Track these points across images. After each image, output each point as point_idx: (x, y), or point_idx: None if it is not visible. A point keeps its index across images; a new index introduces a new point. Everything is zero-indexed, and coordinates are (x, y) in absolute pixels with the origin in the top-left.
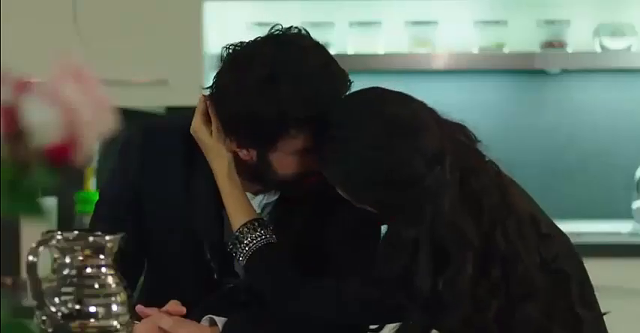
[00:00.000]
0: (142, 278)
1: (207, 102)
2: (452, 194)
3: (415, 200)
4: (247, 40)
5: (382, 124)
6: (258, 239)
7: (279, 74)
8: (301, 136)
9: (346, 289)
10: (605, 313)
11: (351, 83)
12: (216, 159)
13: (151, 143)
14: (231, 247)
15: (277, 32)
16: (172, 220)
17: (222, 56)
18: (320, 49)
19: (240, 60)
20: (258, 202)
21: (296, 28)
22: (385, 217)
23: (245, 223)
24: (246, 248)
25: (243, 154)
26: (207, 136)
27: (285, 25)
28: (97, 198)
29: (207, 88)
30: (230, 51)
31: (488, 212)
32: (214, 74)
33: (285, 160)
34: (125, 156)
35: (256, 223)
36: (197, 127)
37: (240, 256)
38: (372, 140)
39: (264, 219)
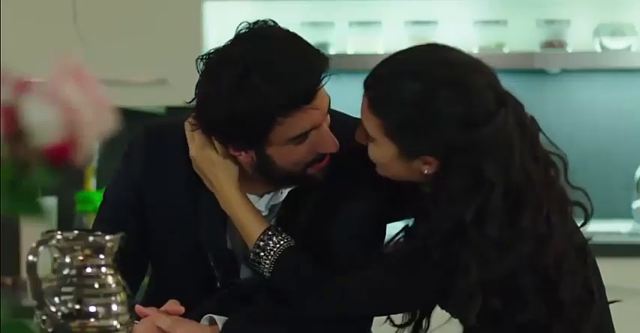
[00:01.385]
0: (146, 279)
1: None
2: (518, 137)
3: (491, 141)
4: (219, 46)
5: (449, 67)
6: (282, 243)
7: (252, 69)
8: (289, 123)
9: (371, 278)
10: (613, 302)
11: (328, 60)
12: (224, 173)
13: (152, 144)
14: (253, 257)
15: (244, 30)
16: (174, 220)
17: (198, 67)
18: (289, 36)
19: (213, 66)
20: (264, 203)
21: (262, 21)
22: (458, 161)
23: (265, 231)
24: (271, 252)
25: (243, 157)
26: (214, 153)
27: (278, 25)
28: (101, 199)
29: (190, 101)
30: (205, 60)
31: (543, 160)
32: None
33: (283, 151)
34: (128, 157)
35: (273, 229)
36: (201, 147)
37: (265, 264)
38: (446, 82)
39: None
